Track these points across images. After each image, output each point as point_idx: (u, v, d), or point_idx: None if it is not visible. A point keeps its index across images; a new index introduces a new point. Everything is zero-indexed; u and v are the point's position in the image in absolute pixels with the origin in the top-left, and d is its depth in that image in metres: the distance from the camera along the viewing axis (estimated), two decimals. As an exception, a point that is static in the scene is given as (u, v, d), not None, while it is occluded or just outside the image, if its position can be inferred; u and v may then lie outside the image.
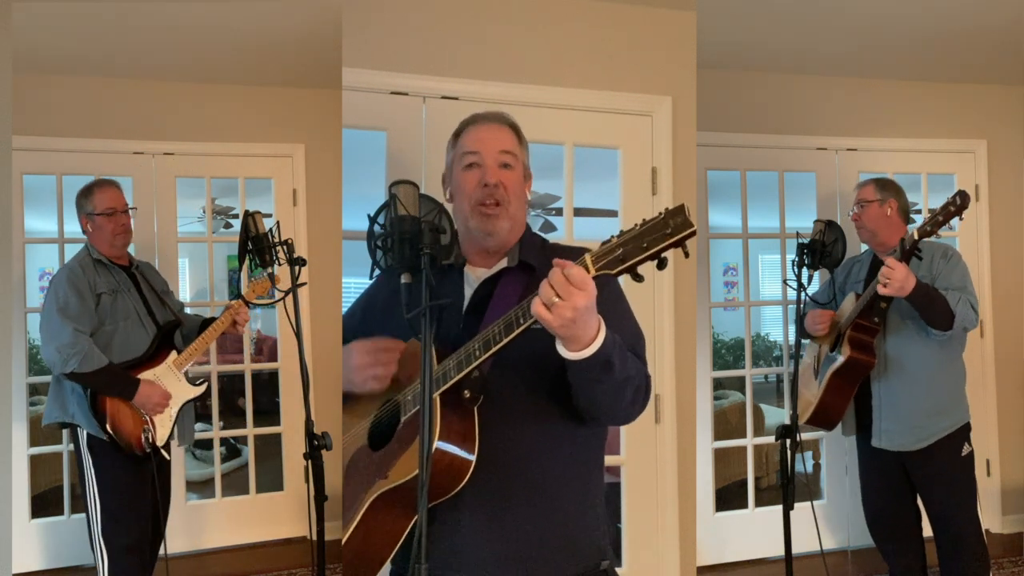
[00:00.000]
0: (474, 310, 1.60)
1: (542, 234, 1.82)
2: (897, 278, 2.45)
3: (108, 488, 2.69)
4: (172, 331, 2.89)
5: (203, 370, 3.85)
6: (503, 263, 1.65)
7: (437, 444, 1.40)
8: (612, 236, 1.25)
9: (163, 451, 2.76)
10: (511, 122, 1.70)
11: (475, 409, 1.46)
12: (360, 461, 1.64)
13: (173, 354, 2.84)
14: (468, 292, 1.64)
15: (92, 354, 2.62)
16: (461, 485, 1.44)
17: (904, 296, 2.50)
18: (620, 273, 1.24)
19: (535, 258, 1.62)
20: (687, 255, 1.24)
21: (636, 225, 1.23)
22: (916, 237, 2.44)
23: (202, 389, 2.90)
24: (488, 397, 1.47)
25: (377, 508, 1.51)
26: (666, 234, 1.19)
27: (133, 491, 2.72)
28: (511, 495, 1.51)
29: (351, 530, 1.54)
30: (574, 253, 1.31)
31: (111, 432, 2.65)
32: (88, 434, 2.68)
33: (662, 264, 1.23)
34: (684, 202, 1.22)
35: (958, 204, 2.38)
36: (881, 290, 2.49)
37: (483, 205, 1.60)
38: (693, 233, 1.18)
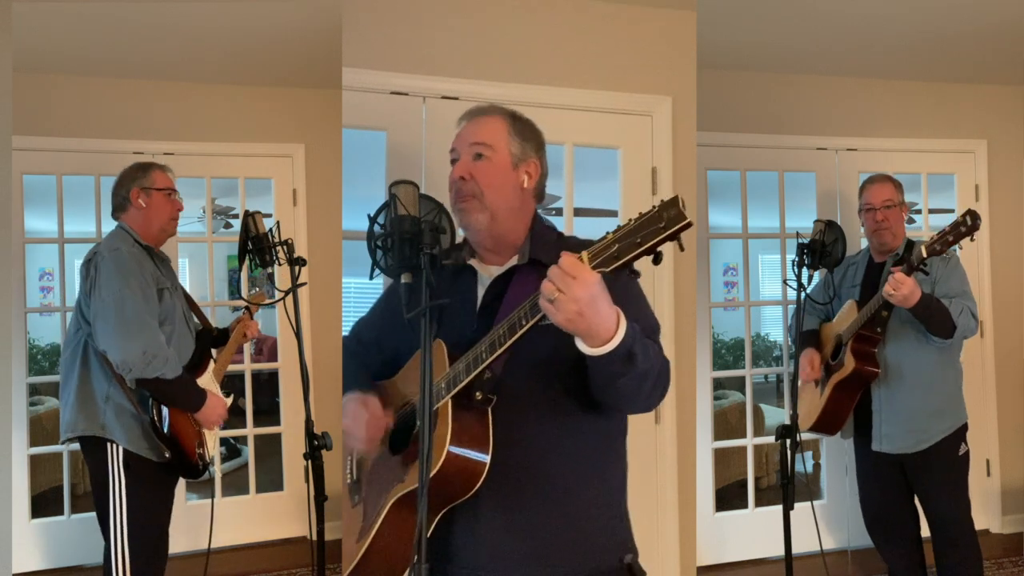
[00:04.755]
0: (486, 310, 1.58)
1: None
2: (904, 291, 2.45)
3: (138, 504, 2.40)
4: (208, 337, 2.67)
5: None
6: (514, 261, 1.62)
7: (449, 448, 1.40)
8: (607, 232, 1.23)
9: (212, 467, 2.56)
10: (498, 110, 1.68)
11: (489, 410, 1.45)
12: (380, 465, 1.64)
13: (212, 363, 2.61)
14: (481, 291, 1.63)
15: (175, 358, 2.32)
16: (477, 487, 1.44)
17: (907, 307, 2.51)
18: (616, 270, 1.22)
19: (547, 254, 1.54)
20: (682, 248, 1.20)
21: (630, 220, 1.20)
22: (924, 255, 2.40)
23: (230, 400, 2.65)
24: (502, 396, 1.46)
25: (397, 511, 1.52)
26: (659, 228, 1.16)
27: (161, 501, 2.53)
28: (527, 493, 1.51)
29: (372, 535, 1.54)
30: (587, 246, 1.29)
31: (172, 448, 2.39)
32: (125, 450, 2.37)
33: (657, 259, 1.20)
34: (678, 194, 1.18)
35: (969, 225, 2.32)
36: (887, 297, 2.49)
37: (456, 200, 1.61)
38: (688, 225, 1.15)
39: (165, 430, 2.39)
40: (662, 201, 1.17)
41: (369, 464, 1.69)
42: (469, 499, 1.46)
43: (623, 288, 1.50)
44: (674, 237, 1.16)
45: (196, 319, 2.69)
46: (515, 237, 1.64)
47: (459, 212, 1.61)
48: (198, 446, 2.48)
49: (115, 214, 2.58)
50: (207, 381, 2.57)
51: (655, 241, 1.16)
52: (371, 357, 1.79)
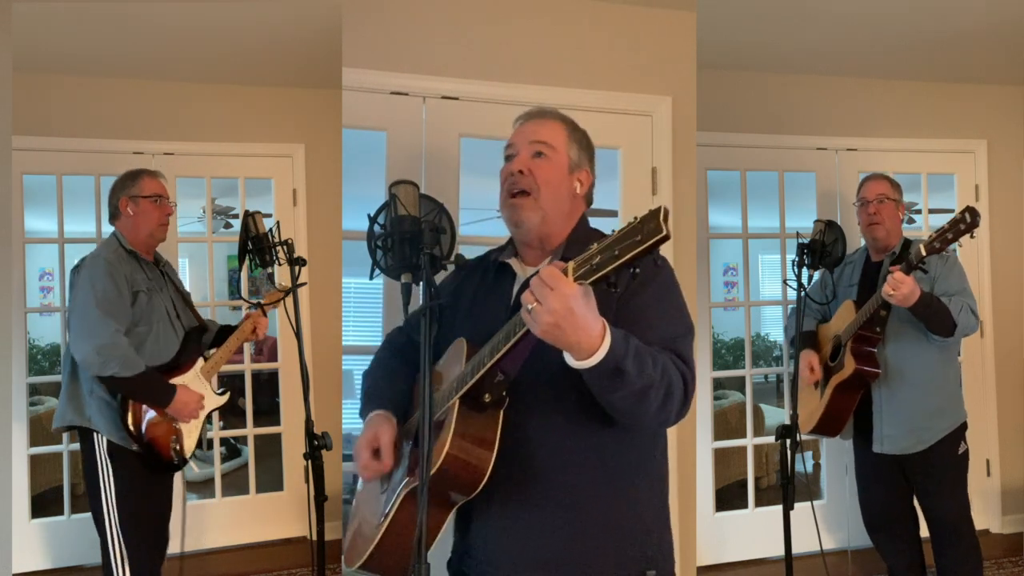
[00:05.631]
0: (517, 308, 1.58)
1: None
2: (904, 291, 2.43)
3: (127, 493, 2.51)
4: (199, 336, 2.74)
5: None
6: (546, 262, 1.61)
7: (448, 448, 1.40)
8: (594, 243, 1.20)
9: (192, 463, 2.64)
10: (558, 116, 1.71)
11: (500, 412, 1.44)
12: (409, 455, 1.65)
13: (200, 361, 2.68)
14: (515, 290, 1.63)
15: (132, 357, 2.44)
16: (481, 486, 1.43)
17: (907, 307, 2.50)
18: (596, 282, 1.18)
19: (580, 254, 1.52)
20: (656, 263, 1.17)
21: (614, 231, 1.18)
22: (924, 253, 2.38)
23: (225, 399, 2.74)
24: (517, 399, 1.45)
25: (409, 503, 1.52)
26: (636, 241, 1.12)
27: (151, 492, 2.59)
28: (537, 498, 1.51)
29: (386, 524, 1.55)
30: None
31: (139, 442, 2.48)
32: (108, 440, 2.50)
33: (635, 274, 1.16)
34: (663, 204, 1.14)
35: (968, 222, 2.30)
36: (886, 297, 2.47)
37: (511, 195, 1.60)
38: (665, 239, 1.10)
39: (142, 425, 2.48)
40: (648, 211, 1.13)
41: (401, 452, 1.70)
42: (485, 497, 1.46)
43: (658, 290, 1.49)
44: (650, 251, 1.12)
45: (192, 316, 2.73)
46: (559, 240, 1.64)
47: (510, 207, 1.61)
48: (173, 441, 2.55)
49: (111, 221, 2.71)
50: (191, 378, 2.61)
51: (632, 254, 1.12)
52: (404, 357, 1.76)
